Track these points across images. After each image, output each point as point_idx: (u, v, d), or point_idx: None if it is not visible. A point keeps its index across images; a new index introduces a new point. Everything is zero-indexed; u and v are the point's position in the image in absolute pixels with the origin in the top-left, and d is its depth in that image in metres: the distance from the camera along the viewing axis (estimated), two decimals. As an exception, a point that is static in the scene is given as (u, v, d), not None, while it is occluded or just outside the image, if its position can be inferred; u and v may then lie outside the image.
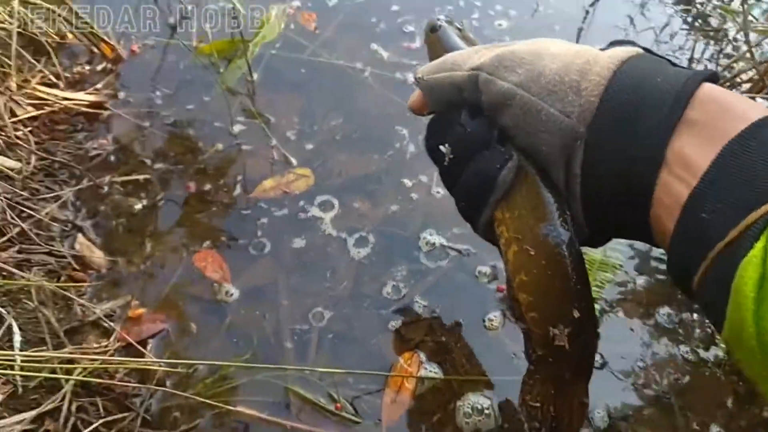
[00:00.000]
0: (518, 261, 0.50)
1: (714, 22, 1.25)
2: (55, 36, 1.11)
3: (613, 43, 0.48)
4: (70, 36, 1.12)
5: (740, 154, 0.35)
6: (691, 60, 1.17)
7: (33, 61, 1.05)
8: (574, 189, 0.45)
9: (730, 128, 0.36)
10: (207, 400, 0.72)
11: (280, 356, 0.77)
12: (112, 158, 0.97)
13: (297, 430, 0.71)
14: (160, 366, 0.75)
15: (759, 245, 0.32)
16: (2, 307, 0.76)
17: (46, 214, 0.88)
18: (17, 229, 0.84)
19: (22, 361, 0.71)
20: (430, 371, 0.75)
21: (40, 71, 1.05)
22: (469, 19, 1.21)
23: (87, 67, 1.10)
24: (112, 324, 0.79)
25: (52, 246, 0.85)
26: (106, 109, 1.03)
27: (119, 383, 0.74)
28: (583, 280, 0.49)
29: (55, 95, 1.02)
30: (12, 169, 0.90)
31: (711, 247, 0.35)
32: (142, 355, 0.76)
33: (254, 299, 0.82)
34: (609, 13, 1.26)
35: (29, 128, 0.97)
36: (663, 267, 0.85)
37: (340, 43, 1.16)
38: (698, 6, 1.29)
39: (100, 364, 0.74)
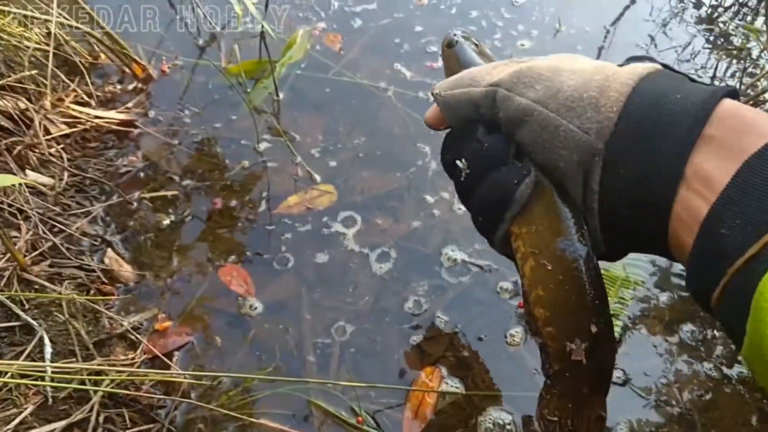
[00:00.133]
0: (535, 276, 0.50)
1: (737, 41, 1.25)
2: (88, 56, 1.14)
3: (632, 59, 0.47)
4: (102, 56, 1.16)
5: (760, 170, 0.35)
6: (713, 78, 1.17)
7: (67, 80, 1.09)
8: (592, 204, 0.45)
9: (749, 144, 0.36)
10: (231, 413, 0.73)
11: (303, 369, 0.78)
12: (142, 175, 1.00)
13: (319, 442, 0.72)
14: (185, 378, 0.77)
15: None
16: (34, 319, 0.78)
17: (77, 228, 0.90)
18: (49, 244, 0.87)
19: (52, 372, 0.72)
20: (452, 386, 0.76)
21: (74, 90, 1.08)
22: (491, 39, 1.23)
23: (118, 87, 1.13)
24: (139, 336, 0.80)
25: (82, 260, 0.87)
26: (136, 127, 1.06)
27: (145, 395, 0.75)
28: (600, 294, 0.48)
29: (88, 113, 1.05)
30: (45, 185, 0.93)
31: (730, 264, 0.35)
32: (168, 368, 0.78)
33: (278, 313, 0.84)
34: (630, 33, 1.27)
35: (62, 145, 1.00)
36: (684, 283, 0.84)
37: (365, 63, 1.18)
38: (721, 25, 1.29)
39: (128, 376, 0.75)
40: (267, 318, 0.83)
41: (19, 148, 0.94)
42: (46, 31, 1.08)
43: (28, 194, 0.90)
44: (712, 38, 1.26)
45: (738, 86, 1.08)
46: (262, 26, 1.05)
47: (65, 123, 1.02)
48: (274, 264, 0.89)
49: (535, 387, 0.72)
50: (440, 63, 1.16)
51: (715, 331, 0.80)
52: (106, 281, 0.86)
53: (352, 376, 0.77)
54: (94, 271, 0.86)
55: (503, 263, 0.86)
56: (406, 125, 1.07)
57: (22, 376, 0.71)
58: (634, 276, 0.85)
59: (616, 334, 0.80)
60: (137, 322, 0.83)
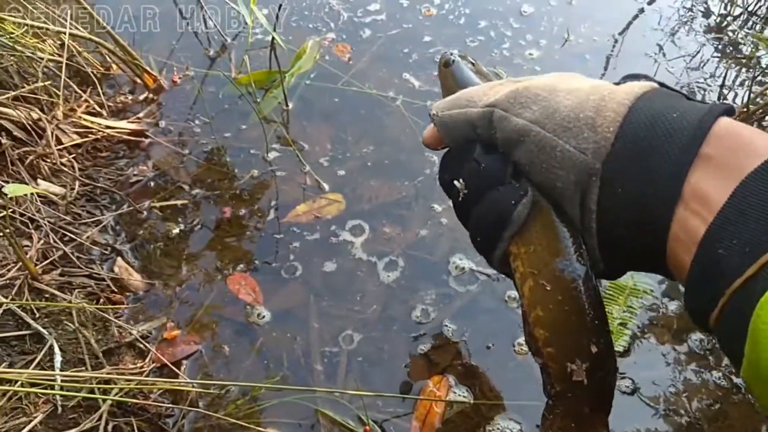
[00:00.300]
0: (534, 296, 0.50)
1: (746, 49, 1.25)
2: (100, 67, 1.16)
3: (629, 77, 0.47)
4: (114, 67, 1.17)
5: (757, 189, 0.35)
6: (722, 87, 1.17)
7: (79, 91, 1.10)
8: (590, 224, 0.45)
9: (746, 164, 0.36)
10: (238, 422, 0.73)
11: (310, 378, 0.78)
12: (152, 184, 1.00)
13: (326, 451, 0.72)
14: (193, 387, 0.77)
15: None
16: (44, 328, 0.78)
17: (87, 238, 0.91)
18: (60, 253, 0.88)
19: (62, 381, 0.73)
20: (459, 395, 0.75)
21: (86, 101, 1.09)
22: (499, 48, 1.23)
23: (130, 97, 1.14)
24: (147, 345, 0.81)
25: (92, 269, 0.88)
26: (146, 137, 1.07)
27: (153, 403, 0.75)
28: (599, 314, 0.48)
29: (99, 124, 1.06)
30: (56, 195, 0.94)
31: (728, 284, 0.34)
32: (176, 376, 0.78)
33: (285, 322, 0.84)
34: (639, 42, 1.27)
35: (74, 155, 1.01)
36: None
37: (373, 73, 1.18)
38: (729, 34, 1.29)
39: (136, 384, 0.76)
40: (275, 326, 0.83)
41: (31, 157, 0.95)
42: (60, 42, 1.09)
43: (39, 203, 0.91)
44: (720, 47, 1.26)
45: (747, 95, 1.08)
46: (273, 37, 1.06)
47: (77, 133, 1.04)
48: (282, 272, 0.89)
49: (543, 396, 0.72)
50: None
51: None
52: (116, 290, 0.87)
53: (360, 385, 0.77)
54: (103, 280, 0.87)
55: (511, 272, 0.85)
56: (413, 134, 1.07)
57: (32, 385, 0.72)
58: (642, 285, 0.85)
59: (625, 344, 0.79)
60: (146, 330, 0.83)
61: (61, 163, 0.98)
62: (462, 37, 1.26)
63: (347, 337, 0.82)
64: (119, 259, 0.90)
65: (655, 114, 0.41)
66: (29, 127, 0.98)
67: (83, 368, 0.77)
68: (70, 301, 0.82)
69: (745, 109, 1.06)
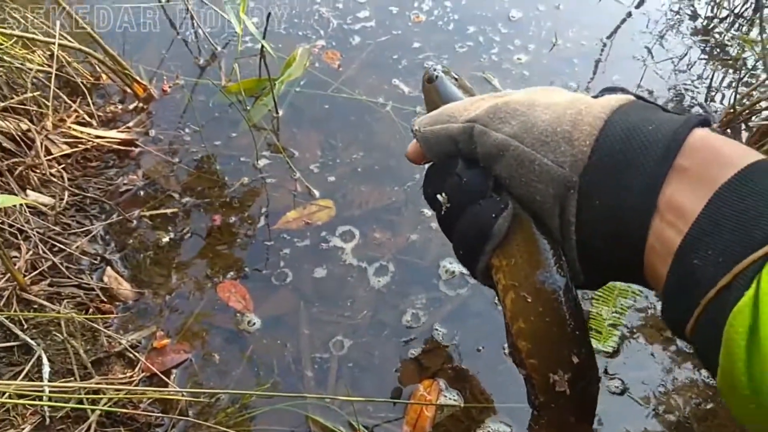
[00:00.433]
0: (516, 308, 0.50)
1: (732, 51, 1.25)
2: (90, 77, 1.16)
3: (606, 90, 0.48)
4: (104, 77, 1.18)
5: (731, 200, 0.35)
6: (709, 88, 1.17)
7: (69, 101, 1.10)
8: (569, 236, 0.45)
9: (720, 175, 0.36)
10: (228, 430, 0.72)
11: (301, 385, 0.78)
12: (142, 193, 1.00)
13: (316, 458, 0.72)
14: (183, 396, 0.77)
15: (749, 293, 0.32)
16: (33, 339, 0.78)
17: (77, 248, 0.91)
18: (49, 263, 0.87)
19: (50, 391, 0.73)
20: (450, 399, 0.75)
21: (75, 111, 1.09)
22: (488, 54, 1.23)
23: (120, 106, 1.14)
24: (137, 354, 0.81)
25: (82, 279, 0.88)
26: (136, 146, 1.07)
27: (143, 413, 0.75)
28: (580, 325, 0.49)
29: (89, 133, 1.06)
30: (45, 205, 0.94)
31: (703, 294, 0.35)
32: (166, 385, 0.78)
33: (276, 328, 0.84)
34: (627, 45, 1.27)
35: (63, 165, 1.01)
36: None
37: (363, 80, 1.19)
38: (716, 36, 1.29)
39: (125, 394, 0.75)
40: (265, 333, 0.83)
41: (20, 168, 0.95)
42: (49, 53, 1.10)
43: (28, 214, 0.91)
44: (708, 49, 1.27)
45: (734, 96, 1.09)
46: (262, 45, 1.06)
47: (66, 143, 1.03)
48: (273, 279, 0.89)
49: (532, 399, 0.73)
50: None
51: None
52: (105, 300, 0.87)
53: (350, 391, 0.77)
54: (93, 289, 0.87)
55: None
56: (403, 140, 1.07)
57: (20, 396, 0.71)
58: (631, 286, 0.85)
59: (615, 344, 0.79)
60: (135, 340, 0.83)
61: (51, 174, 0.98)
62: (451, 43, 1.26)
63: (338, 342, 0.82)
64: (109, 268, 0.90)
65: (630, 127, 0.41)
66: (18, 138, 0.98)
67: (72, 379, 0.76)
68: (58, 312, 0.81)
69: (731, 110, 1.07)
